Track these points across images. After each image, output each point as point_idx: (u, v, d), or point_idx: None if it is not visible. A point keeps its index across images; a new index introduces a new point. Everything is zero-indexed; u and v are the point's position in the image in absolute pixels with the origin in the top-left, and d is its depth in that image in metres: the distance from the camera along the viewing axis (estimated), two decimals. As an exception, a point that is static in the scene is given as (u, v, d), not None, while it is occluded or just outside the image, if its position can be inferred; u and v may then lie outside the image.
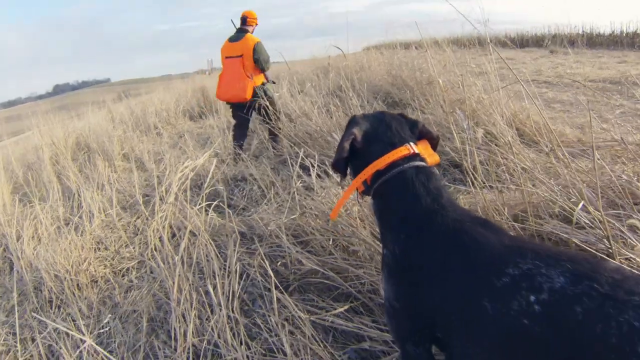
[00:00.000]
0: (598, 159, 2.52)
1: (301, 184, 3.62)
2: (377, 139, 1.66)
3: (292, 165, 3.64)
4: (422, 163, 1.59)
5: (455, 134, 3.45)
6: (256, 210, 3.87)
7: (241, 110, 6.36)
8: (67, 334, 2.53)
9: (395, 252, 1.51)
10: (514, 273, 1.20)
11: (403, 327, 1.52)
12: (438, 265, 1.38)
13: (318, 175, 3.63)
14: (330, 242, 2.93)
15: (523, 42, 26.73)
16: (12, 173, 7.16)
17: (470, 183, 2.81)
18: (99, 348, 2.15)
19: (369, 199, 1.76)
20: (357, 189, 1.73)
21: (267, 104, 6.15)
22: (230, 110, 6.80)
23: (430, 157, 1.66)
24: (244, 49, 6.34)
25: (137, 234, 4.20)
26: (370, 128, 1.69)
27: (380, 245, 1.71)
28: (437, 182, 1.56)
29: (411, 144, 1.63)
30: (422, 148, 1.66)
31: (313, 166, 3.60)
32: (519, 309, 1.14)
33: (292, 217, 3.23)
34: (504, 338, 1.20)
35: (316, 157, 3.74)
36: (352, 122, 1.73)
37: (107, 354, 2.18)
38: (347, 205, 3.00)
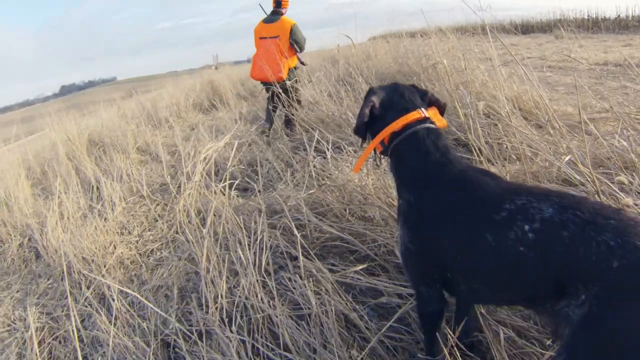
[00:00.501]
0: (585, 123, 2.71)
1: (317, 162, 3.77)
2: (392, 106, 1.87)
3: (309, 147, 3.80)
4: (432, 125, 1.82)
5: (460, 111, 3.63)
6: (275, 189, 4.03)
7: (272, 91, 6.60)
8: (98, 311, 2.72)
9: (410, 201, 1.73)
10: (510, 208, 1.41)
11: (417, 269, 1.76)
12: (446, 209, 1.60)
13: (333, 157, 3.80)
14: (347, 213, 3.13)
15: (528, 29, 26.75)
16: (30, 170, 7.36)
17: (477, 157, 3.02)
18: (145, 301, 2.32)
19: (385, 162, 1.95)
20: (375, 151, 1.96)
21: (294, 87, 6.49)
22: (264, 89, 7.09)
23: (439, 121, 1.88)
24: (280, 30, 6.61)
25: (158, 220, 4.37)
26: (386, 97, 1.90)
27: (394, 211, 1.89)
28: (444, 141, 1.78)
29: (422, 109, 1.85)
30: (431, 113, 1.88)
31: (328, 149, 3.79)
32: (516, 238, 1.36)
33: (310, 192, 3.39)
34: (504, 266, 1.43)
35: (330, 139, 3.92)
36: (371, 92, 1.94)
37: (152, 306, 2.36)
38: (361, 179, 3.19)
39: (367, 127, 1.93)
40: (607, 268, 1.20)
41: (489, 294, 1.60)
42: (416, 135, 1.78)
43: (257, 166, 4.71)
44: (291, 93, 6.35)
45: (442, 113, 1.97)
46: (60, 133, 8.30)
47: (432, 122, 1.83)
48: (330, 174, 3.59)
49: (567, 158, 2.68)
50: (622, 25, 22.02)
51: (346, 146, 4.16)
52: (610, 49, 12.30)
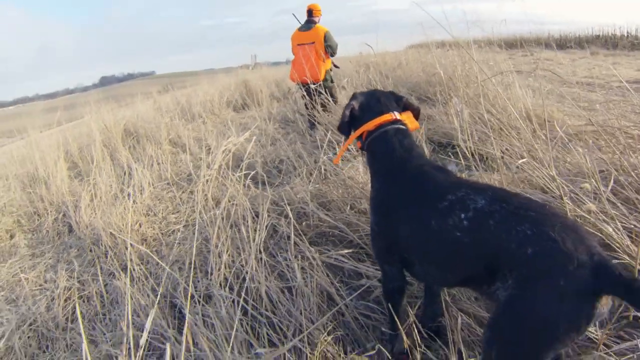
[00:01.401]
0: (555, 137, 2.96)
1: (327, 158, 4.08)
2: (369, 109, 2.22)
3: (320, 147, 4.13)
4: (402, 126, 2.14)
5: (456, 122, 3.92)
6: (288, 183, 4.38)
7: (310, 92, 7.01)
8: (120, 275, 3.08)
9: (377, 189, 2.07)
10: (451, 198, 1.68)
11: (380, 249, 2.07)
12: (403, 197, 1.91)
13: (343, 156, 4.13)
14: (348, 207, 3.45)
15: (565, 43, 26.37)
16: (69, 153, 7.81)
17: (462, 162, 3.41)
18: (158, 260, 2.68)
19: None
20: (357, 145, 2.29)
21: (329, 86, 7.15)
22: (303, 90, 7.54)
23: (412, 123, 2.23)
24: (315, 36, 7.29)
25: (183, 204, 4.71)
26: (365, 100, 2.26)
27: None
28: (409, 140, 2.10)
29: (395, 112, 2.18)
30: (405, 117, 2.22)
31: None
32: (454, 224, 1.62)
33: (317, 185, 3.73)
34: (445, 249, 1.69)
35: (343, 139, 4.24)
36: (353, 96, 2.29)
37: (167, 268, 2.69)
38: (363, 177, 3.52)
39: (350, 126, 2.25)
40: (523, 254, 1.42)
41: (437, 274, 1.84)
42: (386, 134, 2.09)
43: (279, 163, 5.05)
44: (327, 93, 6.77)
45: (416, 116, 2.30)
46: (98, 122, 8.68)
47: (403, 124, 2.15)
48: (337, 172, 3.92)
49: (523, 160, 2.98)
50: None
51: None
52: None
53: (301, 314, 2.40)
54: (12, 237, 5.18)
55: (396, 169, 2.01)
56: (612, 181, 2.72)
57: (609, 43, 22.53)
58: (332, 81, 7.56)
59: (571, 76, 10.53)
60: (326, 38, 7.26)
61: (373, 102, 2.23)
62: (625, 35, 23.98)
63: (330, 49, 7.32)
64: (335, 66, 7.85)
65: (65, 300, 3.38)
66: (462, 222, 1.59)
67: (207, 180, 3.69)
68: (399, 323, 2.05)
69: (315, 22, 7.48)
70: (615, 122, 3.48)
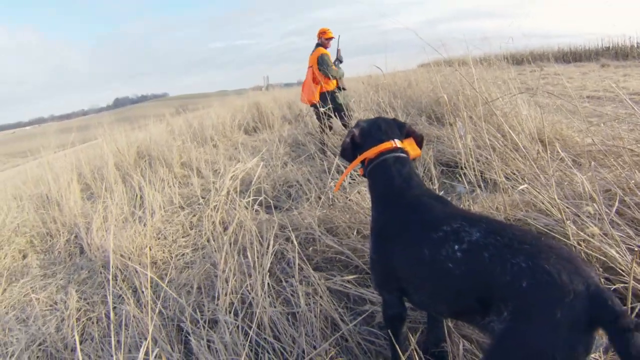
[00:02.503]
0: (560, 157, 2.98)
1: (333, 184, 4.14)
2: (370, 136, 2.26)
3: (327, 172, 4.18)
4: (402, 154, 2.18)
5: (460, 144, 3.97)
6: (297, 208, 4.43)
7: (318, 112, 7.34)
8: (129, 298, 3.13)
9: (376, 217, 2.11)
10: (446, 229, 1.68)
11: (379, 276, 2.09)
12: (399, 226, 1.92)
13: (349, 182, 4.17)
14: (355, 232, 3.49)
15: (576, 57, 26.33)
16: (81, 175, 7.92)
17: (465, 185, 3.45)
18: (167, 288, 2.73)
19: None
20: (359, 171, 2.36)
21: (331, 109, 7.10)
22: (313, 112, 7.98)
23: (413, 150, 2.27)
24: (313, 60, 7.49)
25: (192, 229, 4.77)
26: (366, 128, 2.31)
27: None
28: (409, 169, 2.13)
29: (395, 140, 2.22)
30: (407, 144, 2.26)
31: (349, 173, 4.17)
32: (446, 255, 1.63)
33: (324, 211, 3.77)
34: (437, 279, 1.70)
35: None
36: (356, 124, 2.35)
37: (174, 294, 2.74)
38: (368, 202, 3.57)
39: (352, 153, 2.30)
40: (519, 287, 1.41)
41: (431, 304, 1.87)
42: (385, 163, 2.14)
43: (288, 187, 5.11)
44: (336, 116, 6.96)
45: (419, 143, 2.33)
46: (111, 144, 8.83)
47: (404, 152, 2.19)
48: (344, 196, 3.96)
49: (523, 186, 3.03)
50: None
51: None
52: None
53: (304, 340, 2.43)
54: (24, 257, 5.26)
55: (394, 197, 2.04)
56: (617, 202, 2.72)
57: (619, 54, 22.41)
58: (337, 102, 7.51)
59: (581, 90, 10.52)
60: (319, 61, 7.37)
61: (374, 129, 2.27)
62: (636, 45, 23.79)
63: (324, 73, 7.38)
64: (342, 88, 7.77)
65: (75, 321, 3.42)
66: (455, 253, 1.60)
67: (214, 207, 3.75)
68: (399, 351, 2.05)
69: (319, 45, 7.61)
70: (622, 139, 3.48)
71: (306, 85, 7.69)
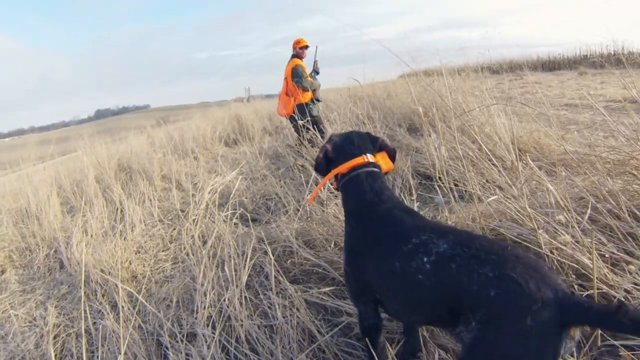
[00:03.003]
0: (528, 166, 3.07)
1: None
2: (342, 151, 2.28)
3: (305, 185, 4.23)
4: (374, 169, 2.21)
5: (435, 155, 4.05)
6: (275, 221, 4.46)
7: (296, 125, 7.18)
8: (109, 313, 3.15)
9: (349, 231, 2.13)
10: (415, 242, 1.73)
11: (353, 288, 2.13)
12: (371, 239, 1.96)
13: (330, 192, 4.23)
14: (332, 245, 3.55)
15: (555, 65, 26.68)
16: (61, 188, 7.87)
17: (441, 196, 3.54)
18: (146, 303, 2.75)
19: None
20: (333, 185, 2.37)
21: (309, 121, 6.90)
22: (291, 124, 7.89)
23: (386, 164, 2.31)
24: (287, 71, 7.54)
25: (172, 242, 4.79)
26: (339, 143, 2.32)
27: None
28: (380, 183, 2.16)
29: (368, 155, 2.24)
30: (380, 157, 2.31)
31: (322, 188, 4.21)
32: (417, 267, 1.67)
33: (301, 223, 3.82)
34: (408, 290, 1.74)
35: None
36: (329, 139, 2.38)
37: (152, 309, 2.76)
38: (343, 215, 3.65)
39: (326, 167, 2.33)
40: (486, 296, 1.45)
41: (405, 314, 1.92)
42: (358, 178, 2.17)
43: (267, 199, 5.16)
44: (314, 128, 6.81)
45: (392, 157, 2.38)
46: (92, 156, 8.77)
47: (376, 166, 2.22)
48: (321, 209, 4.02)
49: (493, 197, 3.12)
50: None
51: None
52: (632, 85, 12.25)
53: (281, 352, 2.48)
54: (3, 272, 5.23)
55: (366, 211, 2.07)
56: (589, 209, 2.80)
57: (597, 62, 22.75)
58: (312, 115, 7.54)
59: (560, 98, 10.69)
60: (293, 73, 7.40)
61: (347, 144, 2.29)
62: (612, 53, 24.15)
63: (298, 84, 7.40)
64: (316, 100, 7.82)
65: (55, 337, 3.43)
66: (424, 265, 1.64)
67: (194, 220, 3.79)
68: None
69: (295, 56, 7.63)
70: (597, 147, 3.57)
71: (282, 97, 7.75)
